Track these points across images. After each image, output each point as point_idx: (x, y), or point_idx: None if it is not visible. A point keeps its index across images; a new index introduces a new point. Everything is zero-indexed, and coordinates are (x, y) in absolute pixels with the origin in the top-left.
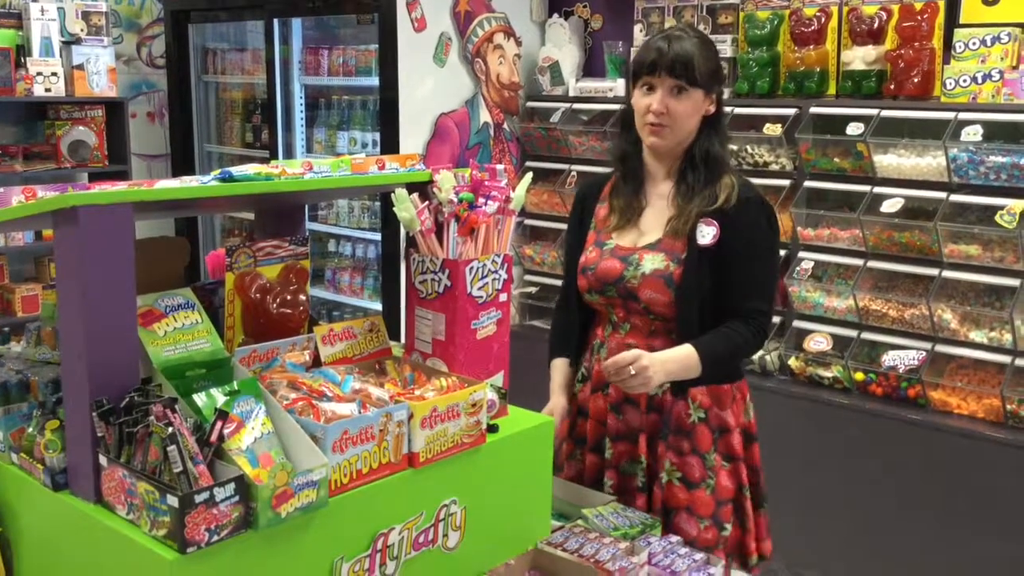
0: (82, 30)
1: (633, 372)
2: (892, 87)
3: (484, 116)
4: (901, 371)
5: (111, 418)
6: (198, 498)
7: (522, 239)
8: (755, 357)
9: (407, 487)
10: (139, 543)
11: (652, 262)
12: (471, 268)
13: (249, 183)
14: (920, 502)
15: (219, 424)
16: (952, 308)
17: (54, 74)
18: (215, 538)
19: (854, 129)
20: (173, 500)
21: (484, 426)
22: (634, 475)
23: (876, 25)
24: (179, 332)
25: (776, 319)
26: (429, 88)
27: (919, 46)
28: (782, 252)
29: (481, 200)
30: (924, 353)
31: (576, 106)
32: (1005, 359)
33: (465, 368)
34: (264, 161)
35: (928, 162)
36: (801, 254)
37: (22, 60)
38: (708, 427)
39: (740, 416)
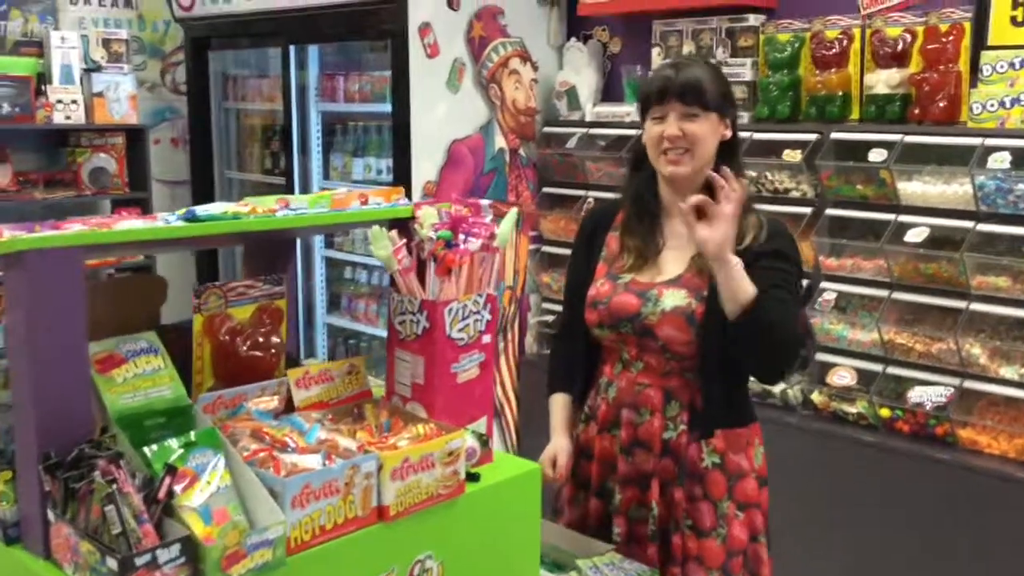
0: (102, 57)
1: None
2: (917, 112)
3: (499, 142)
4: (928, 408)
5: (58, 472)
6: (139, 560)
7: (539, 266)
8: (776, 390)
9: (376, 543)
10: None
11: (673, 298)
12: (450, 309)
13: (213, 223)
14: (948, 545)
15: (168, 480)
16: (981, 342)
17: (74, 101)
18: None
19: (877, 155)
20: (112, 563)
21: (462, 476)
22: (644, 522)
23: (900, 47)
24: (139, 378)
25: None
26: (442, 114)
27: (944, 69)
28: (804, 282)
29: (462, 237)
30: (952, 389)
31: (593, 131)
32: None
33: (445, 414)
34: (281, 188)
35: (954, 190)
36: (824, 284)
37: (42, 88)
38: (723, 473)
39: (753, 460)
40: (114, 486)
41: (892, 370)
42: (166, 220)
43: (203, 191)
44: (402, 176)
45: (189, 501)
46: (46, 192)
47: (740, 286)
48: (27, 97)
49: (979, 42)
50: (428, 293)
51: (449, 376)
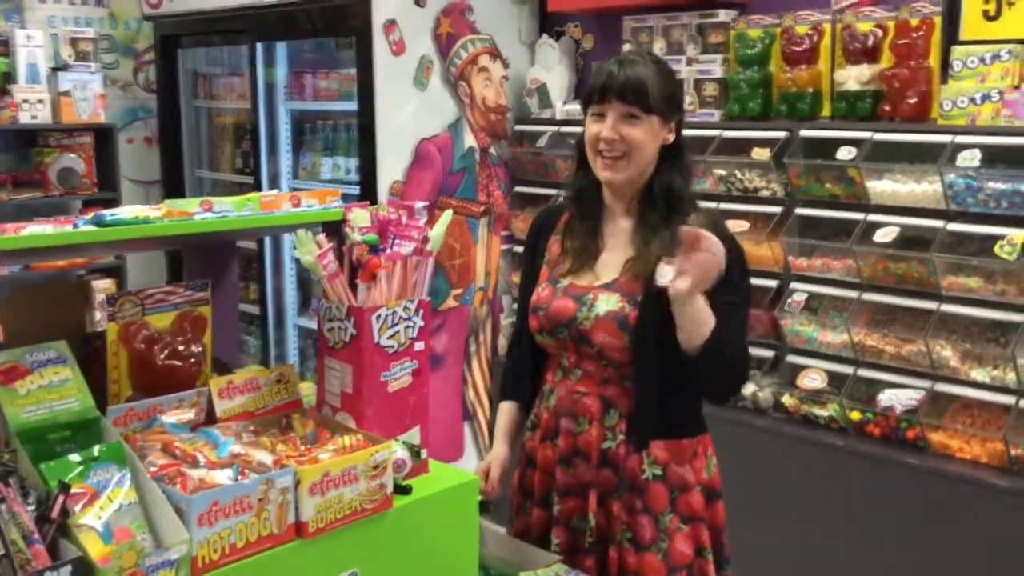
0: (70, 56)
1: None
2: (887, 109)
3: (469, 140)
4: (898, 411)
5: None
6: None
7: (511, 267)
8: (747, 392)
9: (294, 560)
10: None
11: (607, 303)
12: (378, 316)
13: (120, 228)
14: (918, 550)
15: (61, 498)
16: (952, 344)
17: (40, 101)
18: None
19: (845, 154)
20: None
21: (390, 489)
22: (583, 533)
23: (871, 43)
24: (44, 390)
25: (769, 353)
26: (409, 113)
27: (915, 65)
28: (773, 283)
29: (395, 241)
30: (923, 392)
31: (564, 129)
32: (1009, 400)
33: (374, 424)
34: (251, 188)
35: (924, 188)
36: (793, 285)
37: (8, 87)
38: (665, 485)
39: (701, 472)
40: (1, 506)
41: (863, 372)
42: (76, 225)
43: (174, 191)
44: (368, 176)
45: (87, 520)
46: (13, 193)
47: (700, 326)
48: None
49: (950, 37)
50: (359, 299)
51: (379, 385)
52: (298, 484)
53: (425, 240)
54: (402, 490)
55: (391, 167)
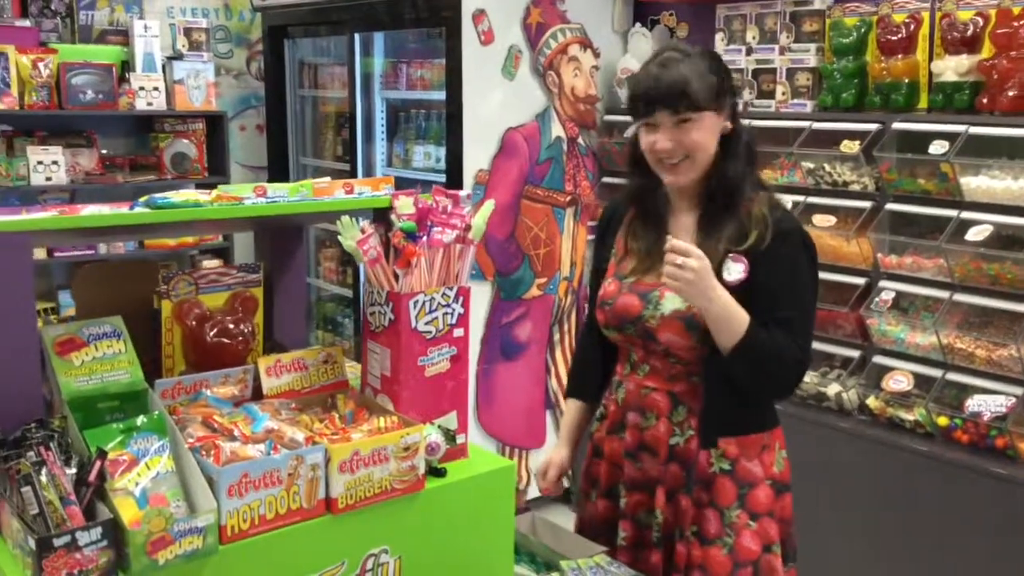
0: (184, 46)
1: (680, 262)
2: (986, 101)
3: (556, 130)
4: (987, 418)
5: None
6: (57, 541)
7: None
8: (831, 393)
9: (323, 534)
10: None
11: (673, 301)
12: (415, 302)
13: (172, 211)
14: (1001, 564)
15: (98, 463)
16: None
17: (156, 88)
18: None
19: (937, 148)
20: (31, 542)
21: (421, 471)
22: (650, 527)
23: (970, 32)
24: (97, 362)
25: (855, 353)
26: (497, 102)
27: (1016, 55)
28: (861, 280)
29: (433, 229)
30: (1014, 399)
31: None
32: None
33: (411, 407)
34: (347, 174)
35: (1021, 185)
36: (882, 283)
37: (126, 75)
38: (732, 480)
39: (771, 467)
40: (42, 468)
41: (952, 376)
42: (132, 207)
43: (279, 177)
44: (454, 164)
45: (124, 485)
46: (130, 176)
47: (729, 325)
48: (110, 84)
49: None
50: (399, 285)
51: (416, 369)
52: (328, 461)
53: (467, 228)
54: (436, 472)
55: (477, 156)
